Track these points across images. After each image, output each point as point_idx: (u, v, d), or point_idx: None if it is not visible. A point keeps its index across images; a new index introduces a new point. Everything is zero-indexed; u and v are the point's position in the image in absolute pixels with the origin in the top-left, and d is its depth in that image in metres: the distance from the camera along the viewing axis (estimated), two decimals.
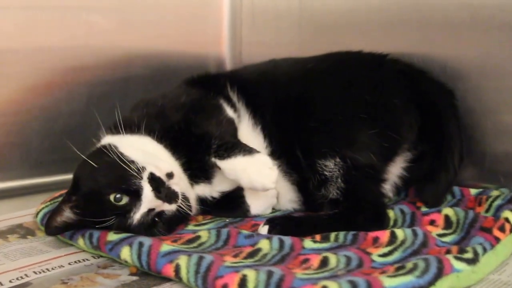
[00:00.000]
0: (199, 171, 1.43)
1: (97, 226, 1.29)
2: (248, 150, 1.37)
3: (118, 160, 1.29)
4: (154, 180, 1.29)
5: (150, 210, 1.29)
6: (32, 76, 1.77)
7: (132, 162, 1.30)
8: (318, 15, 1.87)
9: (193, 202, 1.44)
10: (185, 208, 1.33)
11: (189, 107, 1.47)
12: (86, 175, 1.34)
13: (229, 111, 1.50)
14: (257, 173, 1.35)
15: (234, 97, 1.53)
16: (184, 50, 2.07)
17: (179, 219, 1.38)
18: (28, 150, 1.74)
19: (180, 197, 1.31)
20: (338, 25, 1.82)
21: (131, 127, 1.42)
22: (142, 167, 1.30)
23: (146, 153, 1.36)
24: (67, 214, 1.33)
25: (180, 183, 1.35)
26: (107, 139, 1.42)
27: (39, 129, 1.76)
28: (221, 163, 1.38)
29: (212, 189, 1.46)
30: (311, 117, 1.40)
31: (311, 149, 1.38)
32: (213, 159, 1.38)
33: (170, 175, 1.31)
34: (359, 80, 1.45)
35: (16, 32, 1.74)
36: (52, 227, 1.34)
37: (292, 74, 1.52)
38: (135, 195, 1.28)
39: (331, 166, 1.35)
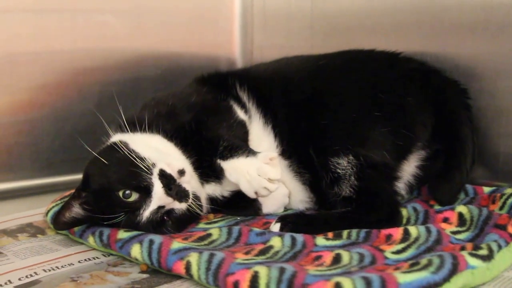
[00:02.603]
0: (209, 170, 1.41)
1: (105, 223, 1.28)
2: (252, 152, 1.35)
3: (129, 156, 1.29)
4: (165, 177, 1.28)
5: (160, 208, 1.28)
6: (43, 77, 1.77)
7: (143, 159, 1.29)
8: (330, 16, 1.87)
9: (204, 201, 1.43)
10: (195, 208, 1.32)
11: (200, 108, 1.46)
12: (96, 171, 1.33)
13: (240, 113, 1.49)
14: (257, 174, 1.31)
15: (244, 97, 1.51)
16: (196, 52, 2.07)
17: (189, 219, 1.36)
18: (38, 150, 1.74)
19: (191, 196, 1.30)
20: (350, 26, 1.81)
21: (141, 125, 1.41)
22: (153, 163, 1.29)
23: (157, 150, 1.35)
24: (76, 210, 1.32)
25: (191, 181, 1.34)
26: (117, 137, 1.41)
27: (49, 129, 1.77)
28: (224, 164, 1.36)
29: (222, 189, 1.45)
30: (323, 114, 1.39)
31: (324, 147, 1.37)
32: (218, 161, 1.37)
33: (181, 172, 1.30)
34: (372, 78, 1.44)
35: (28, 34, 1.74)
36: (61, 222, 1.33)
37: (304, 71, 1.51)
38: (145, 191, 1.27)
39: (344, 164, 1.34)
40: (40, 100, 1.76)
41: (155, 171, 1.28)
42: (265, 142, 1.46)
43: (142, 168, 1.27)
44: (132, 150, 1.31)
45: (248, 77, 1.57)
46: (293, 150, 1.44)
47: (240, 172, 1.32)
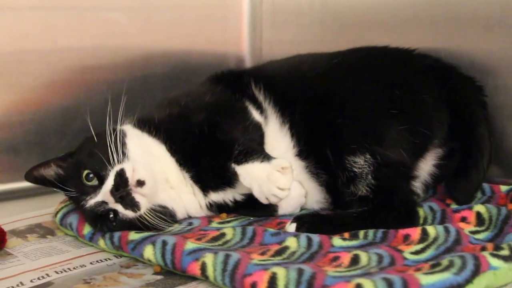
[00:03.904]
0: (218, 178, 1.40)
1: (61, 191, 1.35)
2: (267, 157, 1.32)
3: (111, 144, 1.30)
4: (120, 177, 1.28)
5: (104, 203, 1.29)
6: (50, 75, 1.76)
7: (120, 153, 1.30)
8: (341, 12, 1.84)
9: (200, 210, 1.45)
10: (150, 222, 1.30)
11: (214, 109, 1.44)
12: (84, 146, 1.39)
13: (256, 114, 1.46)
14: (267, 180, 1.29)
15: (260, 96, 1.49)
16: (204, 49, 2.04)
17: (139, 228, 1.31)
18: (46, 149, 1.71)
19: (141, 209, 1.29)
20: (362, 21, 1.78)
21: (150, 128, 1.41)
22: (123, 161, 1.30)
23: (148, 154, 1.37)
24: (51, 171, 1.38)
25: (156, 196, 1.33)
26: (124, 127, 1.42)
27: (57, 128, 1.75)
28: (238, 169, 1.34)
29: (235, 192, 1.42)
30: (339, 112, 1.37)
31: (340, 145, 1.34)
32: (232, 165, 1.34)
33: (140, 183, 1.29)
34: (388, 75, 1.42)
35: (35, 32, 1.72)
36: (32, 174, 1.39)
37: (318, 69, 1.49)
38: (101, 182, 1.30)
39: (360, 163, 1.31)
40: (47, 99, 1.75)
41: (116, 168, 1.28)
42: (281, 143, 1.44)
43: (110, 160, 1.29)
44: (123, 142, 1.33)
45: (263, 75, 1.54)
46: (310, 150, 1.42)
47: (254, 178, 1.31)
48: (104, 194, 1.28)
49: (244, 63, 2.13)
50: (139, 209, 1.29)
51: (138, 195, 1.29)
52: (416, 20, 1.64)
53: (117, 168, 1.28)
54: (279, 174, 1.28)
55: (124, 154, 1.30)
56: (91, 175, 1.30)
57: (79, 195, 1.32)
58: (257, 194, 1.31)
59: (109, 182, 1.27)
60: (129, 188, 1.28)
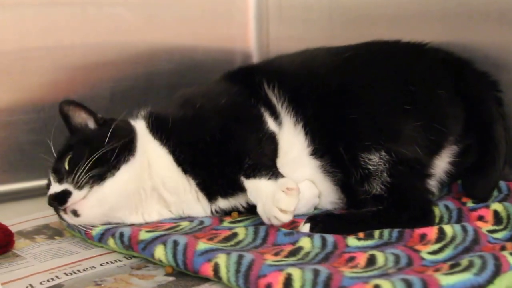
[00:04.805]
0: (227, 186, 1.39)
1: None
2: (275, 175, 1.27)
3: (104, 139, 1.34)
4: (57, 198, 1.31)
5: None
6: (54, 73, 1.75)
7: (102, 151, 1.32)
8: (350, 5, 1.81)
9: (203, 214, 1.45)
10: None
11: (229, 114, 1.41)
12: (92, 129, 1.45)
13: (271, 123, 1.43)
14: (271, 200, 1.23)
15: (274, 98, 1.45)
16: (209, 45, 2.03)
17: None
18: (51, 148, 1.70)
19: (84, 219, 1.32)
20: (371, 15, 1.75)
21: (161, 134, 1.41)
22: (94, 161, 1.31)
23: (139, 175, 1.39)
24: (81, 118, 1.47)
25: (87, 209, 1.32)
26: (138, 124, 1.45)
27: (62, 127, 1.72)
28: (246, 183, 1.30)
29: (246, 199, 1.39)
30: (353, 109, 1.34)
31: (354, 142, 1.32)
32: (241, 177, 1.31)
33: (75, 213, 1.31)
34: (402, 70, 1.39)
35: (38, 29, 1.72)
36: (68, 106, 1.46)
37: (330, 64, 1.45)
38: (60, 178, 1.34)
39: (375, 160, 1.29)
40: (52, 96, 1.72)
41: (64, 186, 1.31)
42: (296, 143, 1.41)
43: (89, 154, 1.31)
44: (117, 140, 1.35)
45: (276, 73, 1.50)
46: (325, 148, 1.39)
47: (259, 194, 1.27)
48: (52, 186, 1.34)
49: (251, 59, 2.11)
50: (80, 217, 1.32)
51: (77, 205, 1.31)
52: (426, 13, 1.62)
53: (64, 186, 1.31)
54: (283, 195, 1.20)
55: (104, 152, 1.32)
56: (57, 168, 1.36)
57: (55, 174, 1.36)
58: (260, 212, 1.26)
59: (50, 190, 1.33)
60: (64, 208, 1.31)
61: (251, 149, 1.35)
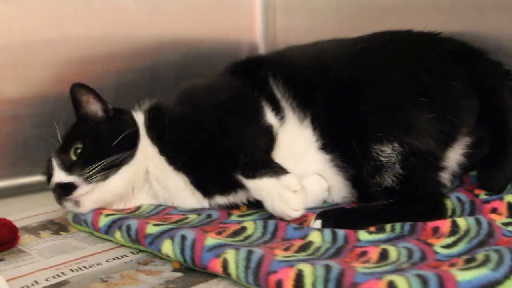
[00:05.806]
0: (223, 184, 1.38)
1: None
2: (275, 171, 1.27)
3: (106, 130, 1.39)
4: (62, 188, 1.33)
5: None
6: (59, 66, 1.73)
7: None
8: None
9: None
10: None
11: (228, 110, 1.40)
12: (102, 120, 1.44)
13: (270, 116, 1.40)
14: (279, 199, 1.25)
15: (278, 93, 1.42)
16: (216, 36, 2.01)
17: None
18: (56, 142, 1.68)
19: (82, 206, 1.34)
20: (381, 4, 1.72)
21: (155, 134, 1.42)
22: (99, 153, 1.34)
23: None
24: (94, 105, 1.45)
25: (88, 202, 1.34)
26: (139, 117, 1.45)
27: (67, 121, 1.70)
28: (247, 182, 1.29)
29: (248, 195, 1.38)
30: (365, 100, 1.31)
31: (366, 134, 1.29)
32: (239, 177, 1.30)
33: (77, 204, 1.34)
34: (415, 60, 1.36)
35: (43, 22, 1.70)
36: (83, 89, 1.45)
37: (342, 56, 1.42)
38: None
39: (388, 152, 1.26)
40: (56, 90, 1.71)
41: (71, 178, 1.32)
42: (299, 139, 1.39)
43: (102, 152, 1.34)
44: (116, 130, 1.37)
45: (283, 66, 1.47)
46: (335, 143, 1.37)
47: (265, 194, 1.27)
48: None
49: (257, 50, 2.09)
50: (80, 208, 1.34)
51: (82, 195, 1.33)
52: (437, 2, 1.59)
53: (73, 179, 1.31)
54: (291, 195, 1.24)
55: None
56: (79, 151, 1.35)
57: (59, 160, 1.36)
58: (270, 210, 1.28)
59: (54, 180, 1.33)
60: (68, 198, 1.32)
61: (247, 145, 1.34)
